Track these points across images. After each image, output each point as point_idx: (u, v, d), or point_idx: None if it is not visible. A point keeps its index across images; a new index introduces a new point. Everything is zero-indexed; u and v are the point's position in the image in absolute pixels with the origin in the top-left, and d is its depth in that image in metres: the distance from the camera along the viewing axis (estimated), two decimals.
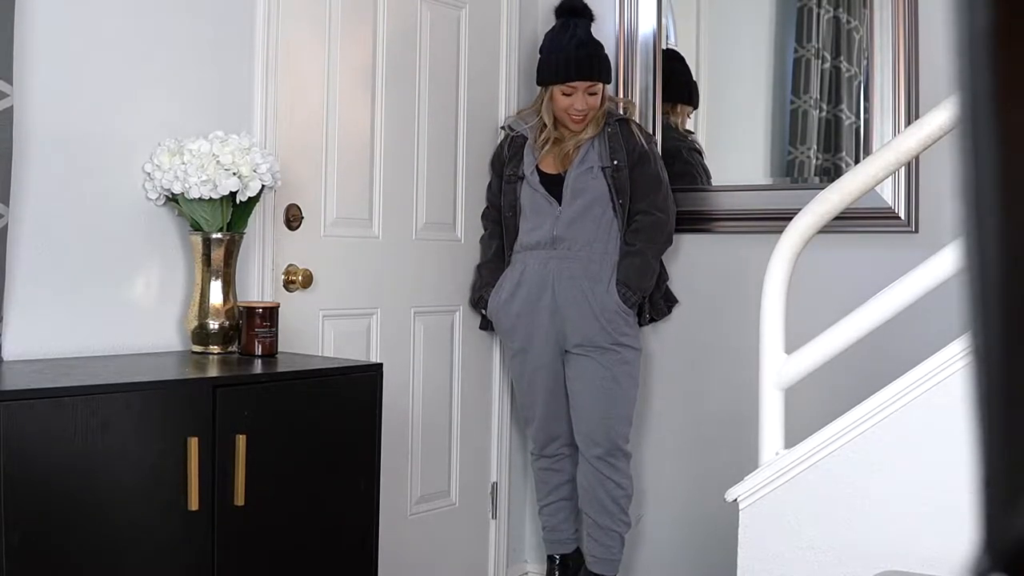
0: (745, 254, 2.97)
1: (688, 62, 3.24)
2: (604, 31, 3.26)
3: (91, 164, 2.20)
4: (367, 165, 2.85)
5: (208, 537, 1.89)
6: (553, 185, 2.99)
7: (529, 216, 3.02)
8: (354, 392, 2.20)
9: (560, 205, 2.96)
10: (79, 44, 2.17)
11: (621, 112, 3.08)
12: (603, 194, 2.95)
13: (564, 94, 2.98)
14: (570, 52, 2.96)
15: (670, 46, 3.26)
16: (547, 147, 3.02)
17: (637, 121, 3.09)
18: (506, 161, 3.09)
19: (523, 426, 3.27)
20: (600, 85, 2.99)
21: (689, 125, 3.26)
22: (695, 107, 3.23)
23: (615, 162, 2.96)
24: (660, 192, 2.99)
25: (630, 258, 2.97)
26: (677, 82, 3.22)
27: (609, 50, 3.24)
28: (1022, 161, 0.36)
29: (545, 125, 3.02)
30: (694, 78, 3.22)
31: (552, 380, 3.04)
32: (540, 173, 3.01)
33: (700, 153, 3.22)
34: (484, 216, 3.19)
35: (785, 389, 2.01)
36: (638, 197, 2.97)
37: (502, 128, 3.20)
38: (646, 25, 3.21)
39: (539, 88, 3.07)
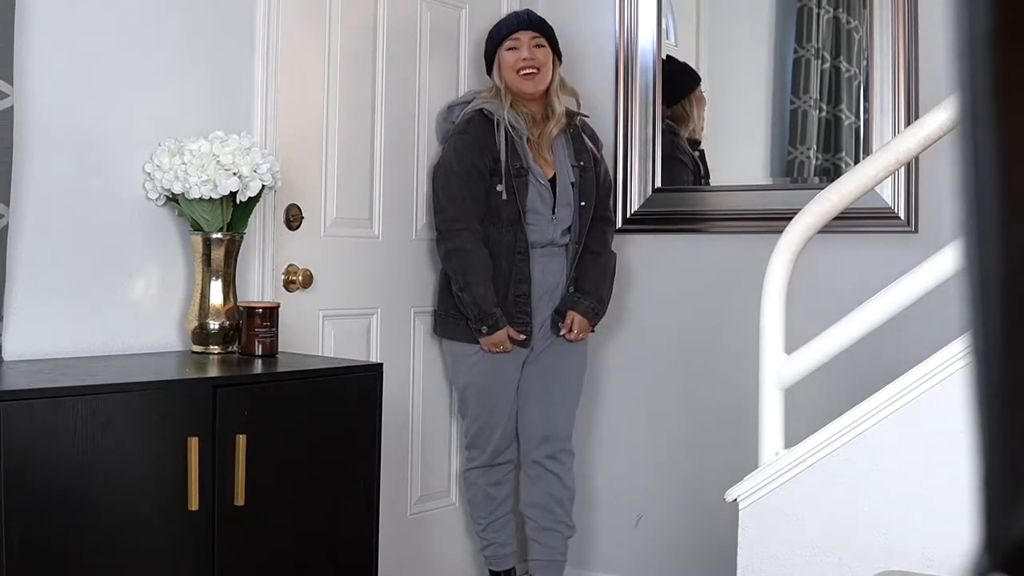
0: (745, 254, 2.97)
1: (688, 62, 3.23)
2: (604, 31, 3.26)
3: (91, 164, 2.20)
4: (367, 165, 2.85)
5: (208, 537, 1.89)
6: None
7: (530, 214, 2.85)
8: (354, 392, 2.20)
9: (554, 211, 2.88)
10: (79, 44, 2.17)
11: (577, 109, 2.99)
12: (571, 195, 2.90)
13: (509, 50, 2.90)
14: (511, 15, 2.99)
15: (668, 44, 3.25)
16: (535, 135, 2.90)
17: (587, 120, 3.04)
18: (504, 151, 2.81)
19: (466, 438, 3.02)
20: (546, 42, 2.90)
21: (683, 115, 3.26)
22: (696, 86, 3.19)
23: (581, 163, 2.92)
24: (610, 200, 3.09)
25: (602, 264, 2.97)
26: (674, 82, 3.21)
27: (609, 51, 3.25)
28: (1022, 162, 0.36)
29: (510, 103, 2.87)
30: (691, 66, 3.20)
31: (516, 384, 2.94)
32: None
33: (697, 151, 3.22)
34: (454, 233, 2.80)
35: (785, 389, 2.01)
36: (600, 203, 2.99)
37: (480, 111, 2.86)
38: (646, 25, 3.21)
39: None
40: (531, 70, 2.87)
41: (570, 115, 2.95)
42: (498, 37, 2.93)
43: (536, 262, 2.86)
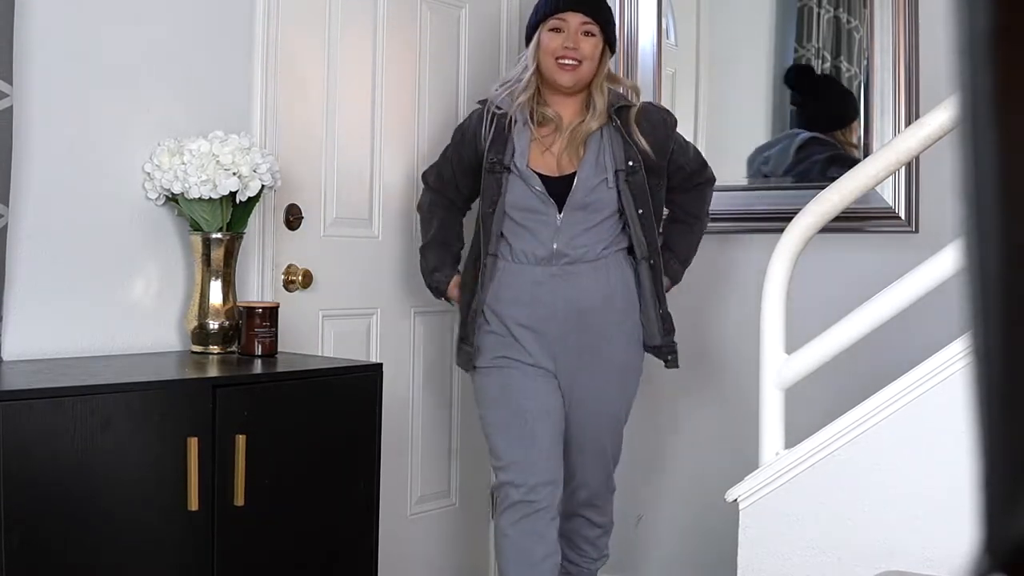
0: (744, 254, 2.97)
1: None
2: None
3: (91, 164, 2.20)
4: (367, 165, 2.85)
5: (208, 537, 1.89)
6: (550, 185, 2.44)
7: (518, 219, 2.44)
8: (354, 392, 2.20)
9: (560, 212, 2.41)
10: (79, 44, 2.17)
11: (627, 96, 2.55)
12: (613, 202, 2.43)
13: (552, 29, 2.44)
14: None
15: (809, 65, 3.07)
16: (542, 131, 2.46)
17: (643, 103, 2.59)
18: (486, 143, 2.47)
19: (494, 478, 2.57)
20: (598, 29, 2.45)
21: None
22: (851, 121, 2.94)
23: (630, 163, 2.42)
24: (693, 157, 2.62)
25: (691, 227, 2.62)
26: (828, 109, 3.06)
27: None
28: (1022, 161, 0.36)
29: (535, 97, 2.48)
30: (848, 89, 2.94)
31: (551, 411, 2.47)
32: (534, 170, 2.45)
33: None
34: (427, 190, 2.69)
35: (785, 389, 2.01)
36: (694, 174, 2.61)
37: (479, 103, 2.61)
38: (646, 25, 3.21)
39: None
40: (572, 61, 2.43)
41: (615, 104, 2.47)
42: (542, 12, 2.47)
43: (528, 277, 2.44)
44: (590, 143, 2.45)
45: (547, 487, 2.41)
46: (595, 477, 2.58)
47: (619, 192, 2.42)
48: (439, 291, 2.65)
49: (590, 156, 2.44)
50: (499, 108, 2.49)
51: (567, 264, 2.42)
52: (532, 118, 2.47)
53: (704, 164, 2.65)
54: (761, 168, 3.07)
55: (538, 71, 2.48)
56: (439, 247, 2.64)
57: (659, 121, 2.54)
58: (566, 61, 2.43)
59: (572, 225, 2.42)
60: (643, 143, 2.45)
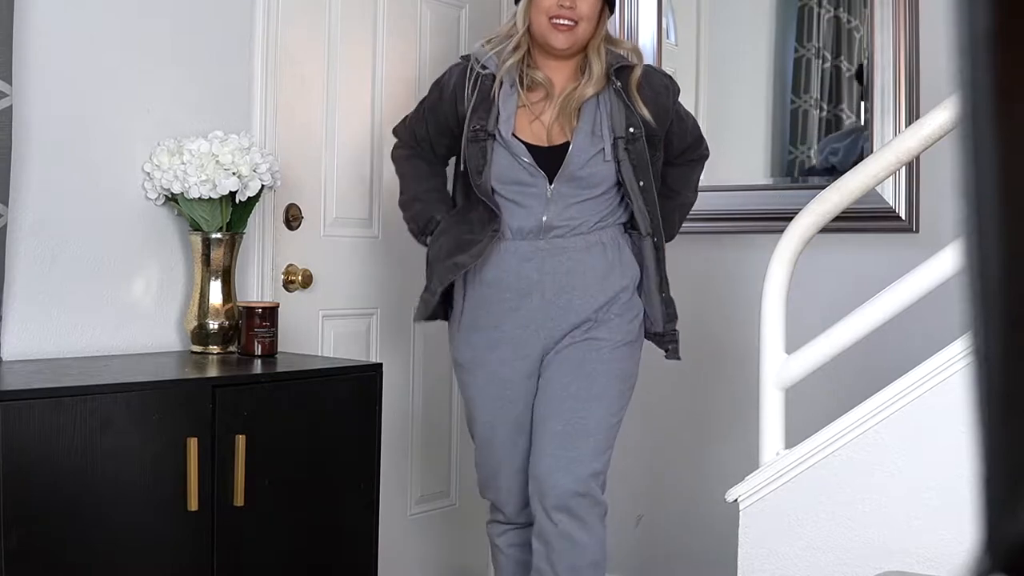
0: (745, 254, 2.97)
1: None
2: None
3: (91, 164, 2.20)
4: (367, 165, 2.85)
5: (208, 537, 1.89)
6: (539, 156, 2.21)
7: (504, 193, 2.21)
8: (354, 392, 2.20)
9: (551, 183, 2.19)
10: (78, 44, 2.17)
11: (625, 57, 2.28)
12: (611, 176, 2.21)
13: None
14: None
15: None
16: (532, 96, 2.24)
17: (643, 67, 2.29)
18: (468, 106, 2.24)
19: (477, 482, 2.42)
20: None
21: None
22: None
23: (631, 130, 2.19)
24: (690, 130, 2.39)
25: (671, 200, 2.38)
26: None
27: None
28: (1022, 161, 0.36)
29: (524, 60, 2.24)
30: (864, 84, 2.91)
31: (526, 412, 2.26)
32: (521, 139, 2.22)
33: None
34: (399, 144, 2.43)
35: (785, 389, 2.01)
36: (688, 150, 2.40)
37: (462, 58, 2.38)
38: (646, 25, 3.21)
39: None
40: (567, 22, 2.18)
41: (614, 65, 2.23)
42: None
43: (513, 253, 2.21)
44: (585, 111, 2.22)
45: (526, 508, 2.28)
46: (572, 468, 2.15)
47: (618, 163, 2.20)
48: (422, 227, 2.34)
49: (584, 125, 2.21)
50: (484, 68, 2.24)
51: (557, 238, 2.20)
52: (521, 82, 2.23)
53: (700, 139, 2.41)
54: (830, 158, 3.07)
55: (529, 32, 2.23)
56: (425, 186, 2.37)
57: (661, 87, 2.31)
58: (561, 21, 2.18)
59: (564, 196, 2.20)
60: (644, 111, 2.22)
